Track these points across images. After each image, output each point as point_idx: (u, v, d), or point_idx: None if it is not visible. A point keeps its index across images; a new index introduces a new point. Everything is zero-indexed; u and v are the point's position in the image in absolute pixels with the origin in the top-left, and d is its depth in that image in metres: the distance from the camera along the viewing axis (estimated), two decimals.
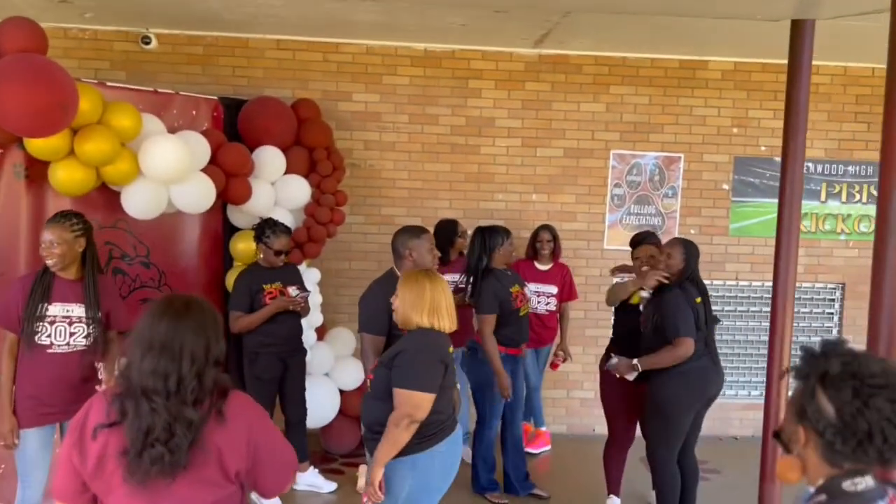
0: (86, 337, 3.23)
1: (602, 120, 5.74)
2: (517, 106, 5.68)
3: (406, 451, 2.77)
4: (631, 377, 3.85)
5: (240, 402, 1.90)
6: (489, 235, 4.42)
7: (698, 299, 3.83)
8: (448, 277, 4.86)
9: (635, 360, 3.81)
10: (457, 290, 4.76)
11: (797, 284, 5.63)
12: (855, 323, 5.98)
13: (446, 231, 4.98)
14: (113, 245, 3.93)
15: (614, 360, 3.90)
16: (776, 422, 3.13)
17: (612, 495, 4.41)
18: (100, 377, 3.25)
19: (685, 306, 3.75)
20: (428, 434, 2.82)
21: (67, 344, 3.21)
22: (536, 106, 5.69)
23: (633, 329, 4.09)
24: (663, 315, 3.77)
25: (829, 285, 5.98)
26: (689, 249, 3.94)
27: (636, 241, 4.41)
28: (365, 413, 2.98)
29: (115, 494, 1.79)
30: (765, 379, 5.98)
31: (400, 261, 3.53)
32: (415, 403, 2.72)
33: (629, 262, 4.48)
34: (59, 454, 1.85)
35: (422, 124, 5.65)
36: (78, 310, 3.22)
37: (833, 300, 6.04)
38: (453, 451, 2.96)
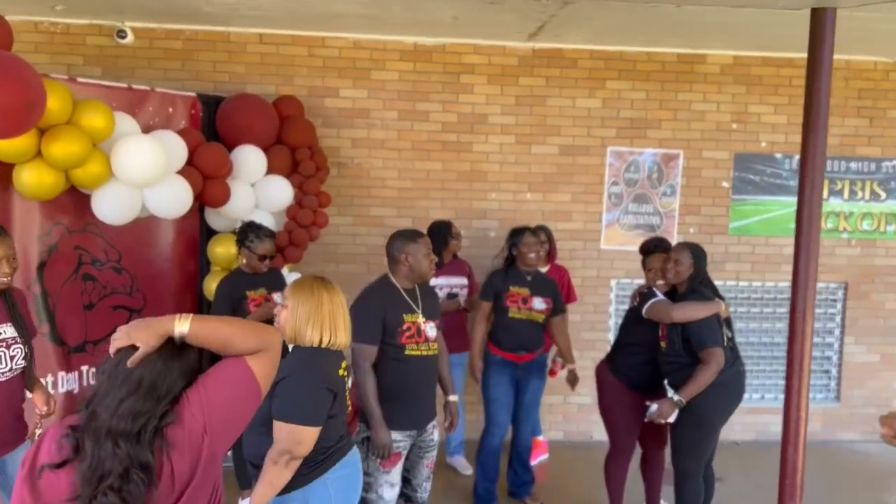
0: (24, 358, 2.88)
1: (598, 116, 5.55)
2: (510, 102, 5.48)
3: (294, 483, 2.46)
4: (674, 417, 3.64)
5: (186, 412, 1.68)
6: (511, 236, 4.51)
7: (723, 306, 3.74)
8: (442, 281, 4.69)
9: (676, 397, 3.57)
10: (450, 297, 4.58)
11: None
12: (857, 323, 5.85)
13: (440, 233, 4.76)
14: (83, 250, 3.70)
15: (654, 406, 3.64)
16: (797, 429, 2.96)
17: None
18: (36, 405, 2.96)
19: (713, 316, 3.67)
20: (317, 461, 2.52)
21: (10, 369, 2.83)
22: (530, 102, 5.49)
23: (651, 340, 3.85)
24: (686, 327, 3.62)
25: (832, 285, 5.83)
26: (697, 253, 3.82)
27: (647, 249, 4.12)
28: (245, 445, 2.61)
29: None
30: (765, 382, 5.93)
31: (395, 266, 3.34)
32: (296, 439, 2.40)
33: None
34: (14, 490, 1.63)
35: (412, 121, 5.43)
36: (9, 330, 2.85)
37: (835, 300, 5.89)
38: (351, 474, 2.68)
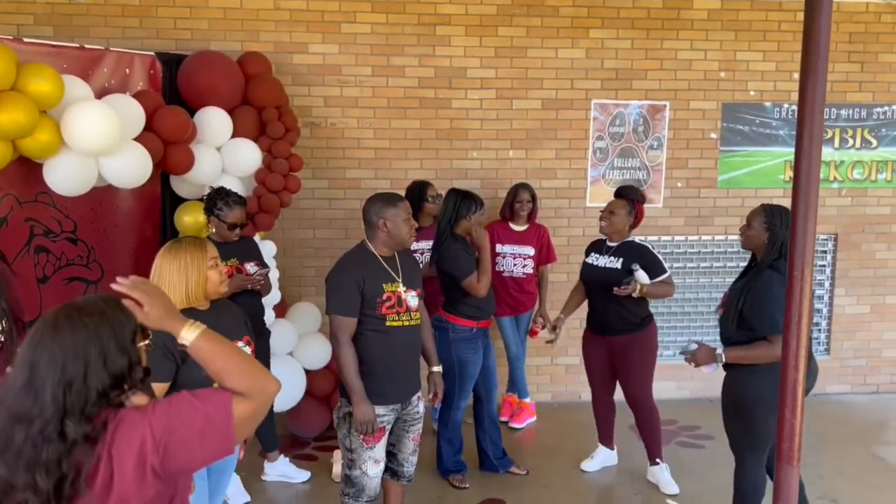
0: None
1: (582, 67, 5.32)
2: (490, 54, 5.22)
3: None
4: (708, 370, 3.21)
5: (123, 426, 1.41)
6: (463, 201, 4.01)
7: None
8: (422, 245, 4.50)
9: (720, 350, 3.15)
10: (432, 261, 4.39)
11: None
12: (847, 275, 5.76)
13: (416, 195, 4.54)
14: (35, 221, 3.46)
15: (693, 344, 3.22)
16: (795, 391, 2.84)
17: (601, 445, 4.46)
18: None
19: (782, 293, 3.02)
20: None
21: None
22: (511, 53, 5.24)
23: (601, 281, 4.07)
24: (756, 303, 3.09)
25: (822, 236, 5.71)
26: (774, 217, 3.21)
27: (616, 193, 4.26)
28: None
29: None
30: None
31: (373, 231, 3.13)
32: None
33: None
34: None
35: (386, 77, 5.17)
36: None
37: (825, 252, 5.78)
38: None
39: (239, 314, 2.75)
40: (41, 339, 1.39)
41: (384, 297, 3.05)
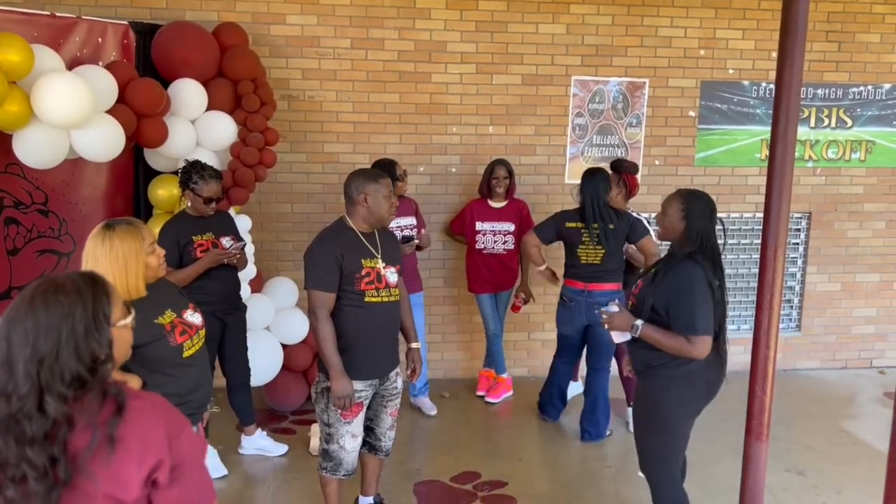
0: None
1: (562, 43, 5.29)
2: (470, 28, 5.18)
3: None
4: (619, 339, 2.97)
5: (142, 417, 1.46)
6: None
7: (717, 282, 2.87)
8: (392, 224, 4.48)
9: (639, 322, 2.87)
10: (405, 240, 4.39)
11: (758, 214, 5.45)
12: (819, 252, 5.85)
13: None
14: (5, 193, 3.40)
15: (614, 307, 2.96)
16: (766, 367, 2.88)
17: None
18: None
19: (705, 290, 2.79)
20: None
21: None
22: (491, 28, 5.20)
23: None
24: (674, 299, 2.82)
25: (795, 215, 5.78)
26: (693, 203, 2.90)
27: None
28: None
29: None
30: (729, 314, 5.93)
31: (353, 207, 3.11)
32: None
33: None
34: None
35: (366, 49, 5.11)
36: None
37: (798, 230, 5.86)
38: None
39: (172, 286, 2.70)
40: (16, 314, 1.38)
41: (363, 272, 3.05)
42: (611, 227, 4.20)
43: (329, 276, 3.00)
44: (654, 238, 4.22)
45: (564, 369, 4.64)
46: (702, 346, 2.79)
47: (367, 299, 3.06)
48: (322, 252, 3.04)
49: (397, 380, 3.29)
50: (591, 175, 4.25)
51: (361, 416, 3.17)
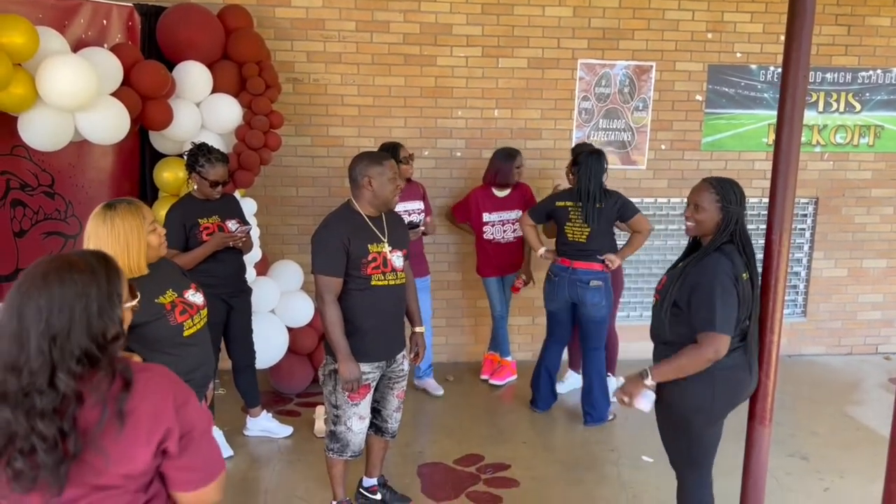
0: None
1: (568, 26, 5.25)
2: (476, 10, 5.14)
3: None
4: (646, 404, 2.65)
5: (149, 389, 1.48)
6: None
7: (745, 274, 2.64)
8: (399, 207, 4.49)
9: (649, 376, 2.62)
10: (410, 226, 4.40)
11: (765, 199, 5.41)
12: (826, 238, 5.83)
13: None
14: (11, 175, 3.40)
15: (622, 379, 2.80)
16: (770, 352, 2.88)
17: (570, 370, 5.03)
18: None
19: (729, 285, 2.57)
20: None
21: None
22: (497, 10, 5.16)
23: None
24: (693, 291, 2.61)
25: (802, 200, 5.75)
26: (727, 192, 2.71)
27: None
28: None
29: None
30: None
31: (358, 191, 3.11)
32: None
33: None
34: None
35: (371, 32, 5.09)
36: None
37: (805, 215, 5.84)
38: None
39: (174, 266, 2.73)
40: (29, 289, 1.38)
41: (369, 257, 3.05)
42: (598, 206, 4.23)
43: (335, 260, 3.01)
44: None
45: (554, 351, 4.66)
46: (718, 344, 2.54)
47: (373, 283, 3.06)
48: (329, 236, 3.04)
49: (403, 362, 3.31)
50: (591, 155, 4.27)
51: (369, 398, 3.19)
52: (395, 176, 3.10)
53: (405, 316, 3.35)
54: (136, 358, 2.26)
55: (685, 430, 2.74)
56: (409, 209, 4.57)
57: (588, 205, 4.22)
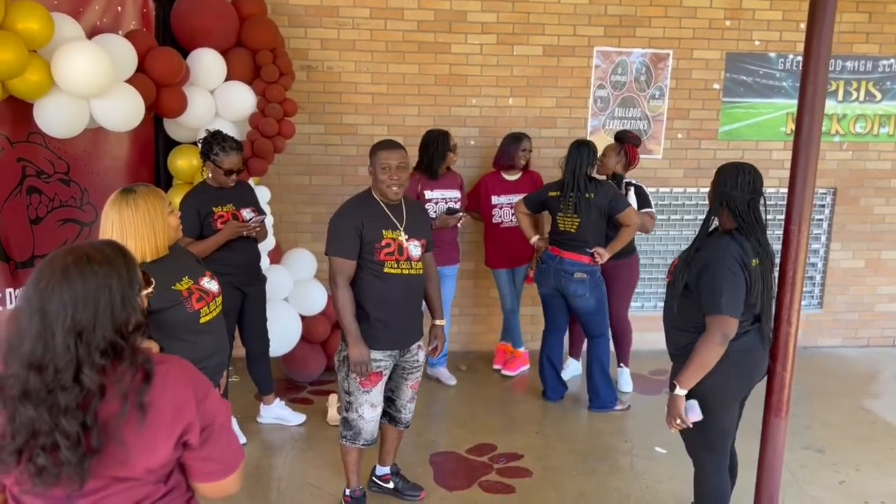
0: None
1: (584, 13, 5.20)
2: None
3: None
4: (694, 416, 2.68)
5: (169, 381, 1.47)
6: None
7: (756, 260, 2.65)
8: (437, 195, 4.52)
9: (677, 390, 2.64)
10: (450, 211, 4.44)
11: (782, 190, 5.35)
12: (844, 229, 5.76)
13: (437, 144, 4.49)
14: (27, 162, 3.40)
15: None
16: (787, 344, 2.85)
17: (570, 358, 5.08)
18: None
19: (735, 267, 2.59)
20: None
21: None
22: None
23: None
24: (700, 274, 2.64)
25: (820, 190, 5.68)
26: (727, 176, 2.72)
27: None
28: None
29: (17, 487, 1.43)
30: None
31: (372, 179, 3.14)
32: None
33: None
34: None
35: (385, 19, 5.06)
36: None
37: (823, 206, 5.76)
38: None
39: (188, 254, 2.74)
40: (49, 286, 1.37)
41: (383, 243, 3.04)
42: (588, 196, 4.23)
43: (348, 243, 3.01)
44: (635, 209, 4.40)
45: (553, 339, 4.67)
46: (725, 327, 2.56)
47: (386, 270, 3.06)
48: (343, 220, 3.06)
49: (418, 352, 3.29)
50: (577, 146, 4.30)
51: (381, 386, 3.18)
52: (388, 167, 3.04)
53: (425, 306, 3.34)
54: (154, 346, 2.27)
55: (704, 410, 2.71)
56: (448, 197, 4.59)
57: (577, 195, 4.23)
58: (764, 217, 2.74)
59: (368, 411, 3.17)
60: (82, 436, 1.35)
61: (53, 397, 1.34)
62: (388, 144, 3.13)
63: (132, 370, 1.41)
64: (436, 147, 4.49)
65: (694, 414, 2.68)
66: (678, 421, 2.68)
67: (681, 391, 2.65)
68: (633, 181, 4.67)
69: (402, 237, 3.09)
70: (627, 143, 4.62)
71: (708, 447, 2.83)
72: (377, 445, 3.42)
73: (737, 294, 2.58)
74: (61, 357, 1.34)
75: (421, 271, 3.18)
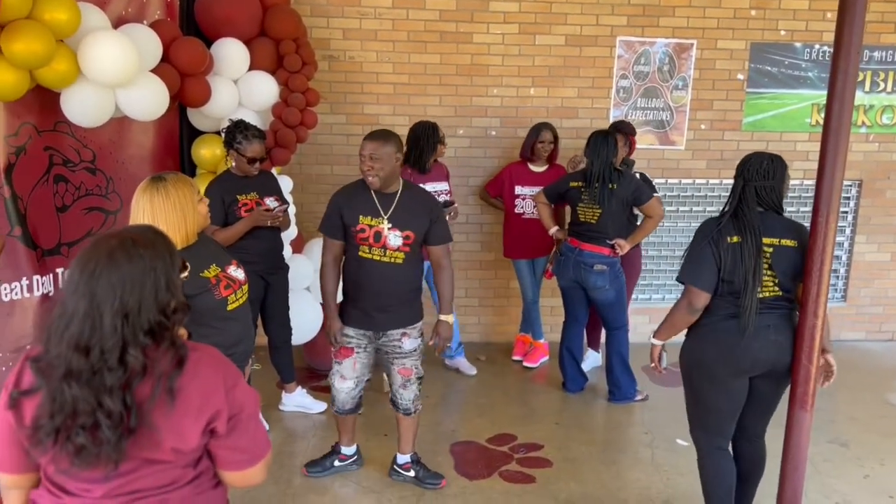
0: None
1: (608, 2, 5.15)
2: None
3: None
4: (664, 361, 3.08)
5: (200, 369, 1.50)
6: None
7: (735, 238, 2.71)
8: (428, 188, 4.47)
9: (652, 339, 3.01)
10: (445, 205, 4.40)
11: (806, 182, 5.30)
12: (869, 222, 5.69)
13: (427, 136, 4.41)
14: (54, 150, 3.44)
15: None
16: (812, 336, 2.82)
17: (590, 349, 5.07)
18: None
19: (705, 243, 2.74)
20: None
21: None
22: None
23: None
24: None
25: (846, 182, 5.58)
26: (743, 164, 2.84)
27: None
28: None
29: (52, 467, 1.47)
30: None
31: None
32: None
33: (636, 164, 4.52)
34: None
35: (407, 9, 5.05)
36: None
37: (848, 198, 5.69)
38: None
39: (214, 242, 2.78)
40: (96, 268, 1.40)
41: (358, 227, 3.19)
42: (610, 186, 4.20)
43: (331, 222, 3.25)
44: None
45: (573, 331, 4.66)
46: (690, 296, 2.76)
47: (359, 254, 3.22)
48: (331, 201, 3.29)
49: (403, 340, 3.33)
50: (604, 136, 4.28)
51: (352, 361, 3.34)
52: (362, 156, 3.16)
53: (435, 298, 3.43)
54: (183, 332, 2.29)
55: (688, 385, 2.93)
56: (437, 190, 4.56)
57: (599, 185, 4.20)
58: (754, 201, 2.77)
59: (339, 381, 3.39)
60: (124, 415, 1.38)
61: (99, 377, 1.37)
62: (369, 135, 3.23)
63: (171, 352, 1.45)
64: (426, 140, 4.44)
65: (664, 362, 3.07)
66: (653, 365, 3.04)
67: (655, 340, 2.99)
68: (637, 173, 4.69)
69: (384, 225, 3.17)
70: (630, 134, 4.69)
71: (702, 427, 2.95)
72: (396, 434, 3.54)
73: (701, 266, 2.74)
74: (109, 338, 1.37)
75: (399, 261, 3.22)
